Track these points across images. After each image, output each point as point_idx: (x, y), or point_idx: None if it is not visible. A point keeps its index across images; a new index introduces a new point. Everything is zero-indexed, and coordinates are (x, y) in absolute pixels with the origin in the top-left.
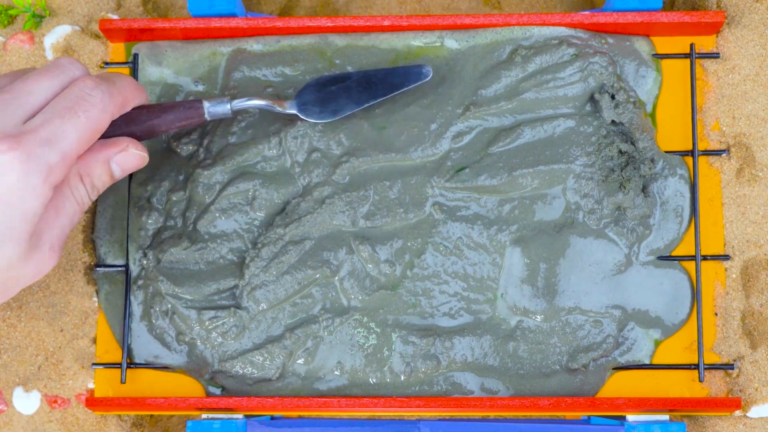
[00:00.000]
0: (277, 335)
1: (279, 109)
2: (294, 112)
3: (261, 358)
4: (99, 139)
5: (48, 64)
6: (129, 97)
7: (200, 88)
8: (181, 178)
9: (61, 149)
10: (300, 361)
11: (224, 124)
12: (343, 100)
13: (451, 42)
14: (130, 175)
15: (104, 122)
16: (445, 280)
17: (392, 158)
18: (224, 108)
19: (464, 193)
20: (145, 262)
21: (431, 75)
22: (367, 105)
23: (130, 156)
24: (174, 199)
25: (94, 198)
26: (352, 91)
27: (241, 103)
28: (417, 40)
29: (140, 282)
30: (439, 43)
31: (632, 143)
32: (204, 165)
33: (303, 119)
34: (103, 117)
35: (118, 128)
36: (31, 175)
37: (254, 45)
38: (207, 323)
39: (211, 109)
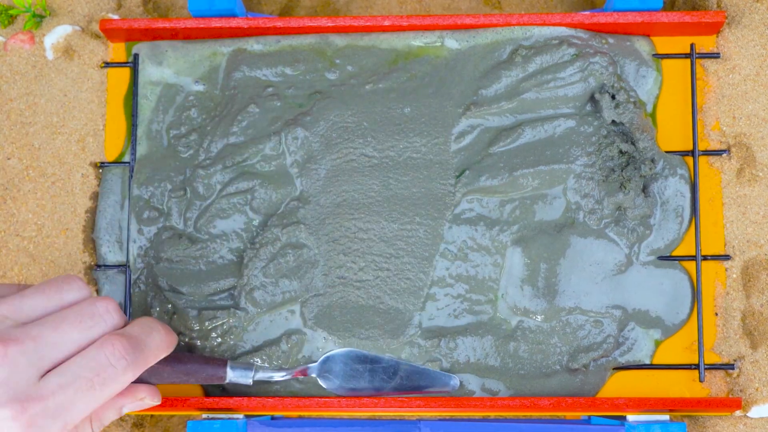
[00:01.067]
0: (275, 338)
1: (302, 376)
2: (314, 376)
3: (259, 361)
4: None
5: (85, 306)
6: (158, 357)
7: (200, 87)
8: (181, 178)
9: (65, 421)
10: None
11: (224, 124)
12: (365, 383)
13: (452, 42)
14: (131, 175)
15: (119, 390)
16: (450, 284)
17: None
18: (246, 378)
19: (467, 195)
20: (145, 261)
21: (458, 386)
22: (385, 394)
23: (143, 405)
24: (174, 199)
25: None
26: (376, 376)
27: (264, 374)
28: (417, 40)
29: (140, 282)
30: (440, 43)
31: (632, 143)
32: (204, 165)
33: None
34: (120, 387)
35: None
36: None
37: (254, 45)
38: (206, 323)
39: (232, 376)
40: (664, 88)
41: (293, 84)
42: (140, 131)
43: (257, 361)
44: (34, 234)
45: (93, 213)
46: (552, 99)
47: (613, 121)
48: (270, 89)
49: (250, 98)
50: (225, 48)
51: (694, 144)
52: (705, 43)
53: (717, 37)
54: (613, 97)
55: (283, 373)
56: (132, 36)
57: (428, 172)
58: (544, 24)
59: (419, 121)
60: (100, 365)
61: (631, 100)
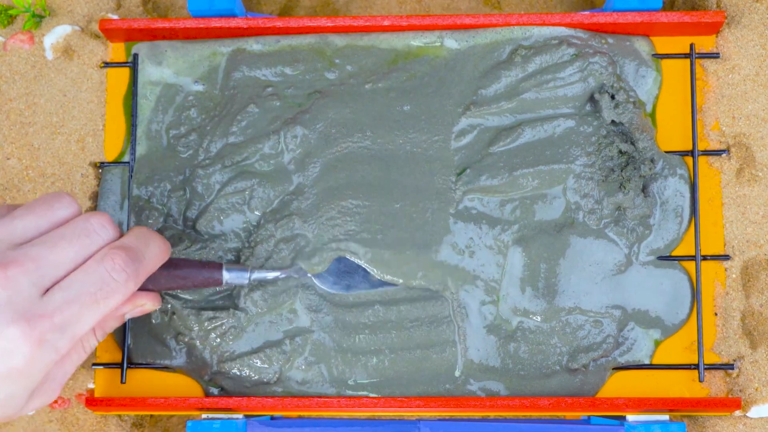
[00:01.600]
0: (276, 340)
1: (296, 275)
2: (310, 276)
3: (259, 362)
4: None
5: (79, 222)
6: (156, 265)
7: (200, 87)
8: (180, 178)
9: (73, 334)
10: (302, 367)
11: (224, 123)
12: (359, 278)
13: (451, 42)
14: (130, 175)
15: (122, 301)
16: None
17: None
18: (243, 278)
19: (468, 194)
20: None
21: None
22: (381, 288)
23: (144, 309)
24: (174, 199)
25: (101, 340)
26: (369, 273)
27: (260, 274)
28: (417, 40)
29: None
30: (439, 43)
31: (632, 143)
32: (203, 165)
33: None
34: (122, 298)
35: None
36: (39, 357)
37: (254, 45)
38: (205, 324)
39: (229, 277)
40: (664, 88)
41: (293, 84)
42: (140, 131)
43: (252, 263)
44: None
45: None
46: (552, 99)
47: (613, 121)
48: (269, 89)
49: (250, 98)
50: (224, 48)
51: (694, 144)
52: (704, 43)
53: (716, 37)
54: (612, 97)
55: (279, 272)
56: (132, 36)
57: (429, 166)
58: (543, 24)
59: (419, 118)
60: (102, 279)
61: (631, 100)
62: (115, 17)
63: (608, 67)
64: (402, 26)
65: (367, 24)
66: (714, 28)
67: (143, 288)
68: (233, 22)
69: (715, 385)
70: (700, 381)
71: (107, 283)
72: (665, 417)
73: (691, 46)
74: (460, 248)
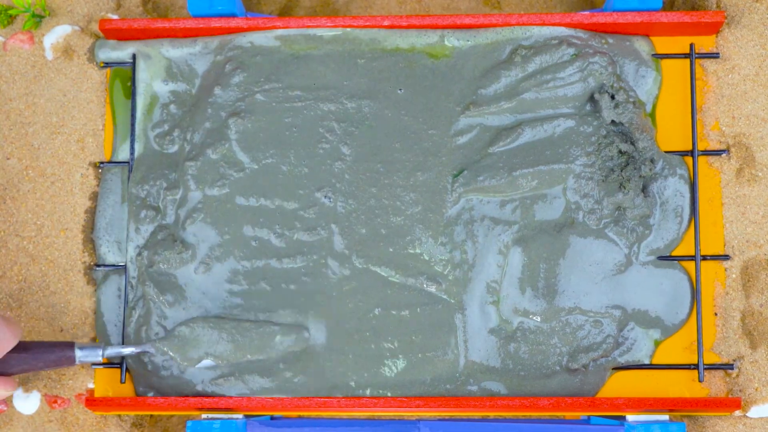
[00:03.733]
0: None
1: (151, 350)
2: (164, 353)
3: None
4: None
5: None
6: (4, 348)
7: (171, 86)
8: (174, 176)
9: None
10: (300, 367)
11: (199, 110)
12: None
13: (452, 41)
14: (129, 176)
15: None
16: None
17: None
18: (96, 356)
19: (465, 195)
20: (138, 262)
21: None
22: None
23: (1, 395)
24: (170, 197)
25: None
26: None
27: (113, 350)
28: (417, 40)
29: (133, 281)
30: (440, 43)
31: (632, 143)
32: (191, 157)
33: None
34: None
35: None
36: None
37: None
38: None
39: (82, 355)
40: (664, 88)
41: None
42: (138, 130)
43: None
44: (34, 234)
45: (92, 213)
46: (551, 99)
47: (613, 121)
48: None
49: (215, 81)
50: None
51: (694, 144)
52: (704, 43)
53: (716, 37)
54: (612, 97)
55: (132, 348)
56: (131, 36)
57: (427, 166)
58: (543, 24)
59: (414, 102)
60: None
61: (631, 100)
62: (115, 17)
63: (608, 67)
64: (402, 26)
65: (367, 24)
66: (714, 28)
67: None
68: (233, 22)
69: (714, 385)
70: (700, 381)
71: None
72: (665, 417)
73: (691, 46)
74: (459, 249)
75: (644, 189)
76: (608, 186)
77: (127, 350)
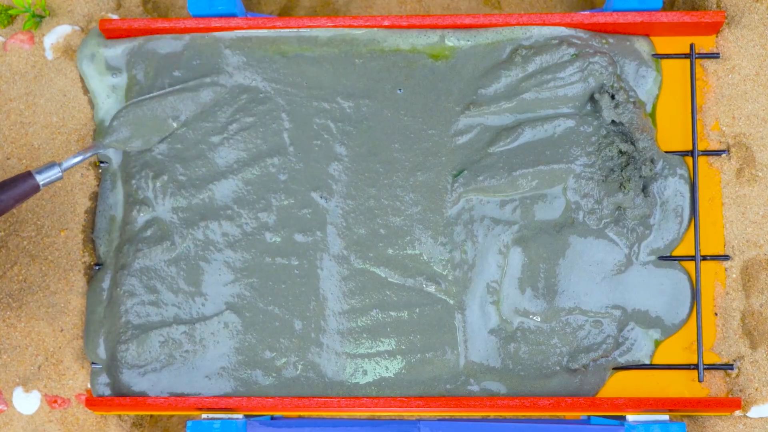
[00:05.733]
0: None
1: (102, 150)
2: (111, 146)
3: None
4: None
5: None
6: None
7: (117, 79)
8: (160, 158)
9: None
10: (300, 367)
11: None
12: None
13: (452, 41)
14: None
15: None
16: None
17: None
18: (55, 172)
19: (465, 195)
20: (118, 257)
21: None
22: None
23: None
24: (159, 185)
25: None
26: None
27: (68, 162)
28: (418, 40)
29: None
30: (440, 43)
31: (632, 143)
32: (182, 158)
33: (122, 149)
34: None
35: None
36: None
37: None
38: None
39: (42, 176)
40: (664, 88)
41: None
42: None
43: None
44: (34, 234)
45: (92, 213)
46: (552, 99)
47: (613, 121)
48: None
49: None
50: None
51: (694, 144)
52: (704, 43)
53: (716, 37)
54: (612, 97)
55: (81, 155)
56: (131, 36)
57: (427, 165)
58: (543, 24)
59: (413, 102)
60: None
61: (631, 100)
62: (115, 17)
63: (608, 67)
64: (402, 26)
65: (367, 24)
66: (714, 28)
67: None
68: (233, 22)
69: (714, 385)
70: (700, 381)
71: None
72: (665, 417)
73: (691, 46)
74: (459, 249)
75: (644, 189)
76: (608, 186)
77: (78, 158)
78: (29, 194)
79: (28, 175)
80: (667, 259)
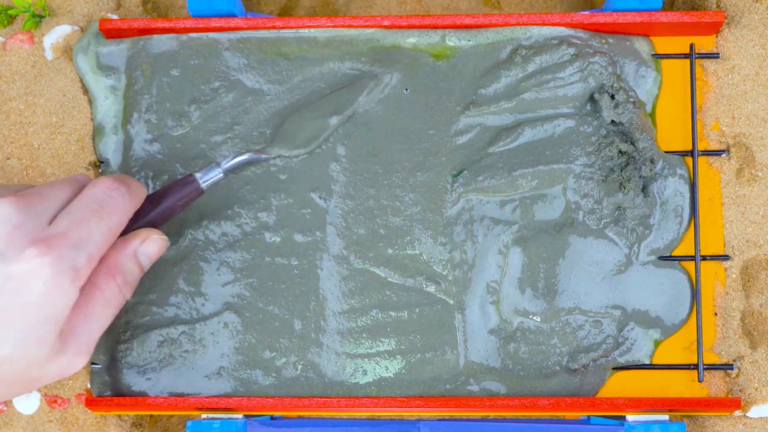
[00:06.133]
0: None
1: (264, 156)
2: (278, 153)
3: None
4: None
5: (62, 178)
6: (140, 196)
7: (109, 81)
8: (160, 157)
9: (88, 251)
10: (300, 368)
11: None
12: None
13: (453, 41)
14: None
15: (124, 222)
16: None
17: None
18: (217, 173)
19: (464, 195)
20: None
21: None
22: (336, 124)
23: (153, 242)
24: (159, 185)
25: (128, 296)
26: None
27: (229, 162)
28: (419, 40)
29: None
30: (441, 43)
31: (632, 143)
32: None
33: (288, 155)
34: (124, 217)
35: (128, 226)
36: (60, 278)
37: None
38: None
39: (205, 178)
40: (664, 88)
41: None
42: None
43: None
44: None
45: None
46: (552, 99)
47: (613, 121)
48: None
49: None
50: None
51: (694, 144)
52: (704, 43)
53: (716, 37)
54: (612, 97)
55: (245, 156)
56: (131, 36)
57: (427, 165)
58: (543, 24)
59: (414, 102)
60: (101, 198)
61: (631, 100)
62: (115, 17)
63: (608, 67)
64: (402, 26)
65: (367, 24)
66: (714, 28)
67: (137, 228)
68: (233, 22)
69: (714, 385)
70: (700, 381)
71: (107, 201)
72: (665, 417)
73: (691, 46)
74: (459, 249)
75: (644, 189)
76: (608, 186)
77: (240, 157)
78: (193, 198)
79: (189, 177)
80: (667, 259)
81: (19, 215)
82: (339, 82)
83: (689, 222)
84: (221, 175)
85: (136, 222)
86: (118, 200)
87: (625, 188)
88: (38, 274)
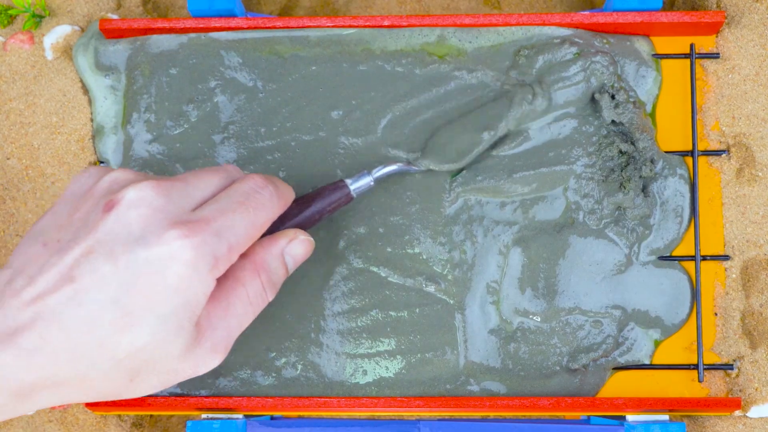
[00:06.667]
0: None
1: (414, 168)
2: (428, 167)
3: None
4: (263, 236)
5: (211, 167)
6: (288, 198)
7: (108, 81)
8: (160, 158)
9: (229, 241)
10: (300, 366)
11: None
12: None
13: (454, 41)
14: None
15: (270, 221)
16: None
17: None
18: (367, 181)
19: (463, 195)
20: None
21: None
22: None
23: (301, 243)
24: None
25: (271, 297)
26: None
27: (379, 171)
28: (420, 39)
29: None
30: (441, 43)
31: (632, 143)
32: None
33: (437, 169)
34: (270, 215)
35: (275, 227)
36: (200, 264)
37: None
38: None
39: (355, 185)
40: (664, 88)
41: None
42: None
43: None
44: None
45: None
46: (557, 100)
47: (613, 121)
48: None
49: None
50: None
51: (694, 144)
52: (704, 43)
53: (716, 37)
54: (612, 96)
55: (395, 166)
56: (132, 36)
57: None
58: (543, 24)
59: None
60: (249, 192)
61: (631, 99)
62: (115, 17)
63: (609, 67)
64: (402, 26)
65: (367, 24)
66: (714, 28)
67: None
68: (233, 22)
69: (714, 385)
70: (700, 381)
71: (254, 195)
72: (665, 417)
73: (691, 46)
74: (459, 249)
75: (644, 189)
76: (608, 186)
77: (389, 167)
78: (342, 204)
79: (340, 183)
80: (667, 259)
81: (160, 198)
82: (340, 82)
83: (689, 222)
84: (372, 183)
85: (283, 224)
86: (266, 197)
87: (625, 188)
88: (178, 257)
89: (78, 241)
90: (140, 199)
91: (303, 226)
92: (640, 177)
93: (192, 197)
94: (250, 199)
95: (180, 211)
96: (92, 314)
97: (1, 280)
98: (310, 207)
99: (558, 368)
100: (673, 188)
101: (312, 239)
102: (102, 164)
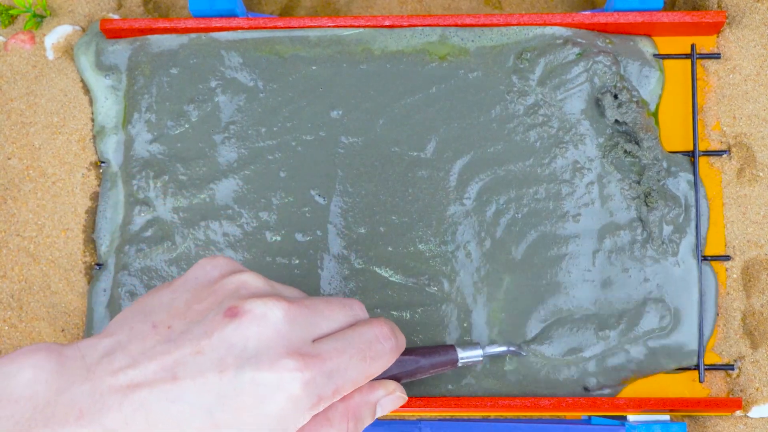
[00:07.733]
0: None
1: (524, 353)
2: (533, 353)
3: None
4: None
5: (340, 299)
6: (402, 348)
7: (109, 81)
8: (160, 158)
9: (337, 384)
10: None
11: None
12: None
13: (456, 41)
14: (125, 173)
15: (380, 372)
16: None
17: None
18: (477, 355)
19: (465, 195)
20: (121, 257)
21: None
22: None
23: (396, 399)
24: (159, 185)
25: None
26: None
27: (491, 349)
28: (420, 40)
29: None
30: (443, 43)
31: (636, 143)
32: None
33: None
34: (385, 367)
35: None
36: (303, 400)
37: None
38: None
39: (464, 355)
40: (666, 88)
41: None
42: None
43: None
44: (35, 234)
45: (93, 213)
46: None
47: (617, 121)
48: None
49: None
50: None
51: (695, 144)
52: (705, 43)
53: (717, 37)
54: (615, 96)
55: (506, 347)
56: (133, 36)
57: (428, 163)
58: (544, 24)
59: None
60: (371, 340)
61: (634, 99)
62: (116, 17)
63: (612, 67)
64: (403, 26)
65: (368, 24)
66: (715, 29)
67: (387, 377)
68: (234, 22)
69: (715, 385)
70: (701, 381)
71: (374, 344)
72: (666, 417)
73: (692, 46)
74: (462, 249)
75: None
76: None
77: (502, 348)
78: (446, 367)
79: (451, 349)
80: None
81: (285, 324)
82: (340, 82)
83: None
84: (480, 358)
85: (387, 372)
86: (386, 350)
87: (650, 204)
88: (285, 388)
89: (190, 338)
90: (266, 318)
91: (399, 378)
92: (658, 181)
93: (316, 328)
94: (371, 348)
95: (300, 342)
96: (182, 416)
97: (100, 348)
98: (416, 363)
99: (560, 368)
100: (682, 188)
101: (405, 397)
102: (103, 164)
